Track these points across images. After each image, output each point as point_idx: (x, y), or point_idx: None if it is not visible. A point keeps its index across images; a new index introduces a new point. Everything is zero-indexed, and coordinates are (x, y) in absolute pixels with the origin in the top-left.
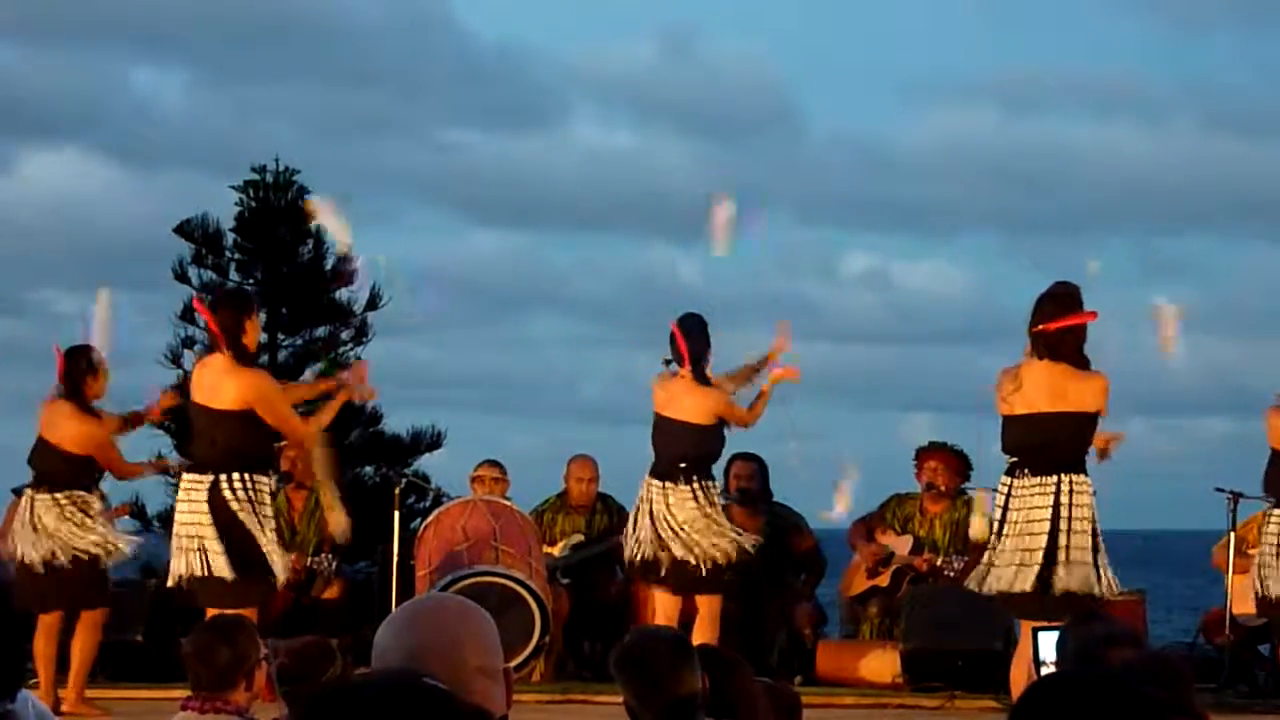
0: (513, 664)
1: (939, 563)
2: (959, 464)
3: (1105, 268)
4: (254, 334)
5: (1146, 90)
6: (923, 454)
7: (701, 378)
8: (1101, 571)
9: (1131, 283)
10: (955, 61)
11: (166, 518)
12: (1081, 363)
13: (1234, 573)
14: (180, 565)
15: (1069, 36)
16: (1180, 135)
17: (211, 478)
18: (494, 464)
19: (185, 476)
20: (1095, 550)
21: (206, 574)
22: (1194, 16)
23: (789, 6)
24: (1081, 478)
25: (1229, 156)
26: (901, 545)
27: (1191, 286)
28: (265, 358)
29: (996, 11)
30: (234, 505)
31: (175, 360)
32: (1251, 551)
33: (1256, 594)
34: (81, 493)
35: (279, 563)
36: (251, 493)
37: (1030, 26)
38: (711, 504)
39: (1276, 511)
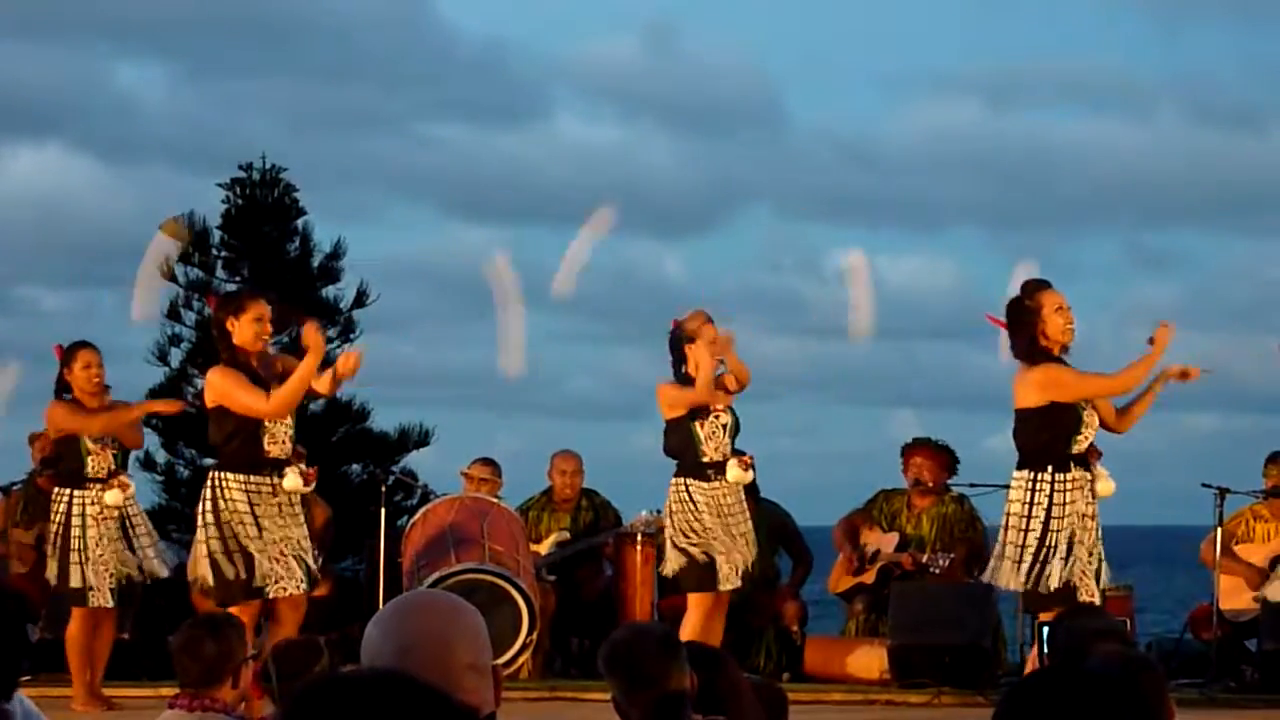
0: (501, 661)
1: (925, 559)
2: (946, 459)
3: (1092, 262)
4: (245, 330)
5: (1132, 84)
6: (909, 450)
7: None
8: (1021, 566)
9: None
10: (939, 55)
11: (154, 515)
12: (1033, 357)
13: (1221, 569)
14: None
15: (1053, 29)
16: (1167, 129)
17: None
18: (488, 462)
19: None
20: (1038, 546)
21: (195, 573)
22: (1181, 9)
23: (772, 1)
24: (1025, 474)
25: (1216, 150)
26: (887, 543)
27: (1178, 281)
28: None
29: (980, 4)
30: (218, 505)
31: (162, 358)
32: (1242, 548)
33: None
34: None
35: (265, 564)
36: (234, 492)
37: (1014, 19)
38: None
39: None
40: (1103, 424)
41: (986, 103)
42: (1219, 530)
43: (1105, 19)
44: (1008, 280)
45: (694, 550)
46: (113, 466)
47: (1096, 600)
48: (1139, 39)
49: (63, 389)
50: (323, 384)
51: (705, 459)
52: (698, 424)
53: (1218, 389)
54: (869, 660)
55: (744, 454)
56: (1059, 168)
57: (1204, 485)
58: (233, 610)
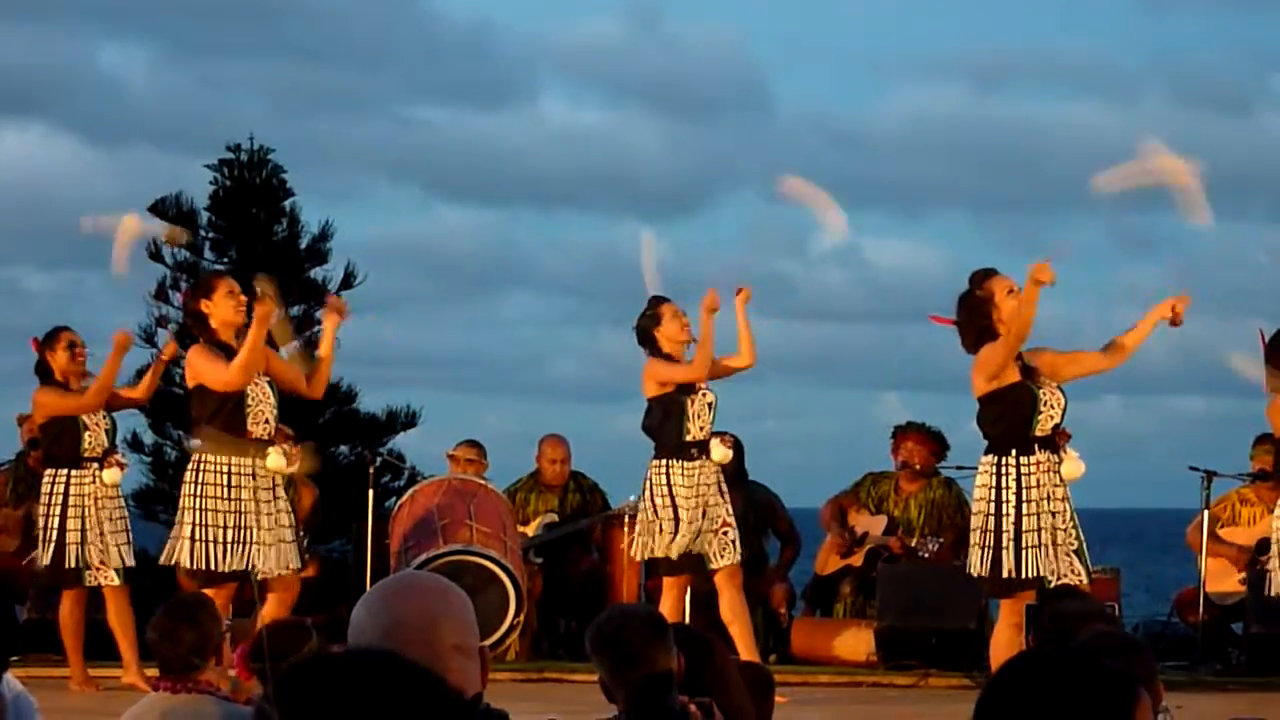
0: (488, 642)
1: (913, 543)
2: (935, 444)
3: (1077, 245)
4: (223, 308)
5: (1115, 67)
6: (900, 433)
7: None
8: (986, 552)
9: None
10: (924, 39)
11: (142, 497)
12: (983, 344)
13: (1208, 552)
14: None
15: (1038, 14)
16: (1149, 112)
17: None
18: (473, 444)
19: None
20: (997, 532)
21: (177, 555)
22: None
23: None
24: (990, 459)
25: (1199, 133)
26: (875, 526)
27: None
28: None
29: None
30: (199, 486)
31: (149, 339)
32: (1227, 532)
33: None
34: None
35: (245, 546)
36: (214, 473)
37: (1000, 4)
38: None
39: None
40: (1094, 373)
41: (971, 87)
42: (1205, 513)
43: (1088, 3)
44: (994, 263)
45: (670, 535)
46: (106, 445)
47: (1084, 582)
48: (1122, 23)
49: (45, 374)
50: (324, 346)
51: (689, 437)
52: (691, 399)
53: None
54: (856, 642)
55: (725, 434)
56: (1043, 151)
57: (1191, 468)
58: (210, 591)
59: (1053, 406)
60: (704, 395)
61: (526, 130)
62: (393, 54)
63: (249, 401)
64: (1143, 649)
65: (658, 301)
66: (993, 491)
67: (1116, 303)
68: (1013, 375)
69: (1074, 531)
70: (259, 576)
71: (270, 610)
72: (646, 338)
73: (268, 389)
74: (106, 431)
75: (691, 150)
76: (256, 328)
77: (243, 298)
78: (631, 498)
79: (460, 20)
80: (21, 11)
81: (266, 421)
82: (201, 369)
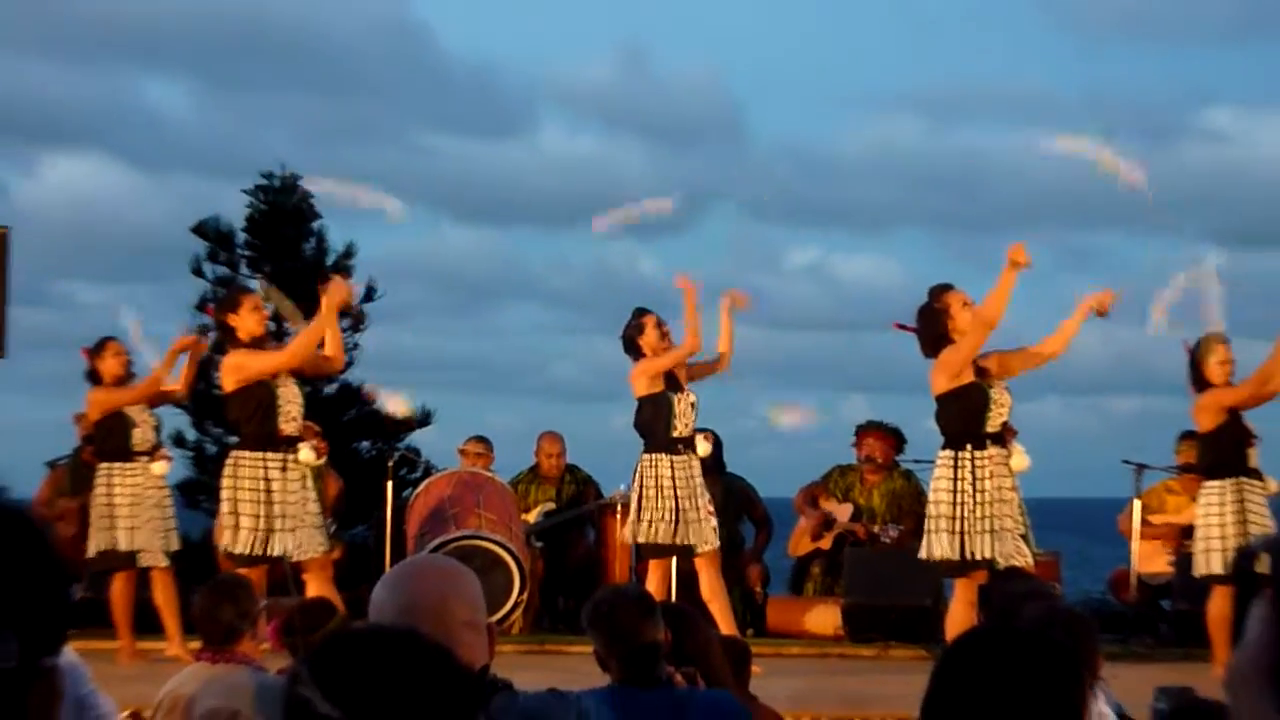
0: (495, 619)
1: (876, 529)
2: (894, 440)
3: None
4: (248, 320)
5: (1054, 101)
6: (862, 431)
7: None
8: (944, 536)
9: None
10: (884, 76)
11: (185, 488)
12: (939, 349)
13: (1142, 535)
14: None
15: (986, 53)
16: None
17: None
18: (481, 440)
19: None
20: (954, 519)
21: (219, 540)
22: (1094, 34)
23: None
24: (948, 453)
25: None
26: (843, 512)
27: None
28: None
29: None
30: (236, 479)
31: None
32: (1156, 518)
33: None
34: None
35: (277, 532)
36: (250, 468)
37: (952, 45)
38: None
39: (1210, 484)
40: (1039, 364)
41: (928, 119)
42: (1136, 502)
43: (1029, 45)
44: (949, 278)
45: (659, 523)
46: (153, 441)
47: (1027, 563)
48: (1061, 62)
49: (96, 379)
50: (331, 341)
51: (676, 433)
52: (677, 399)
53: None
54: (824, 618)
55: (707, 431)
56: (991, 177)
57: (1124, 462)
58: (246, 571)
59: (1002, 405)
60: (688, 396)
61: (527, 157)
62: (407, 89)
63: (280, 402)
64: (1088, 624)
65: (641, 313)
66: (951, 483)
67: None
68: (969, 375)
69: (1021, 519)
70: (291, 559)
71: (314, 588)
72: (631, 345)
73: (295, 390)
74: (154, 429)
75: (677, 175)
76: (319, 323)
77: (265, 311)
78: (621, 487)
79: (468, 59)
80: (75, 53)
81: (294, 419)
82: (250, 365)
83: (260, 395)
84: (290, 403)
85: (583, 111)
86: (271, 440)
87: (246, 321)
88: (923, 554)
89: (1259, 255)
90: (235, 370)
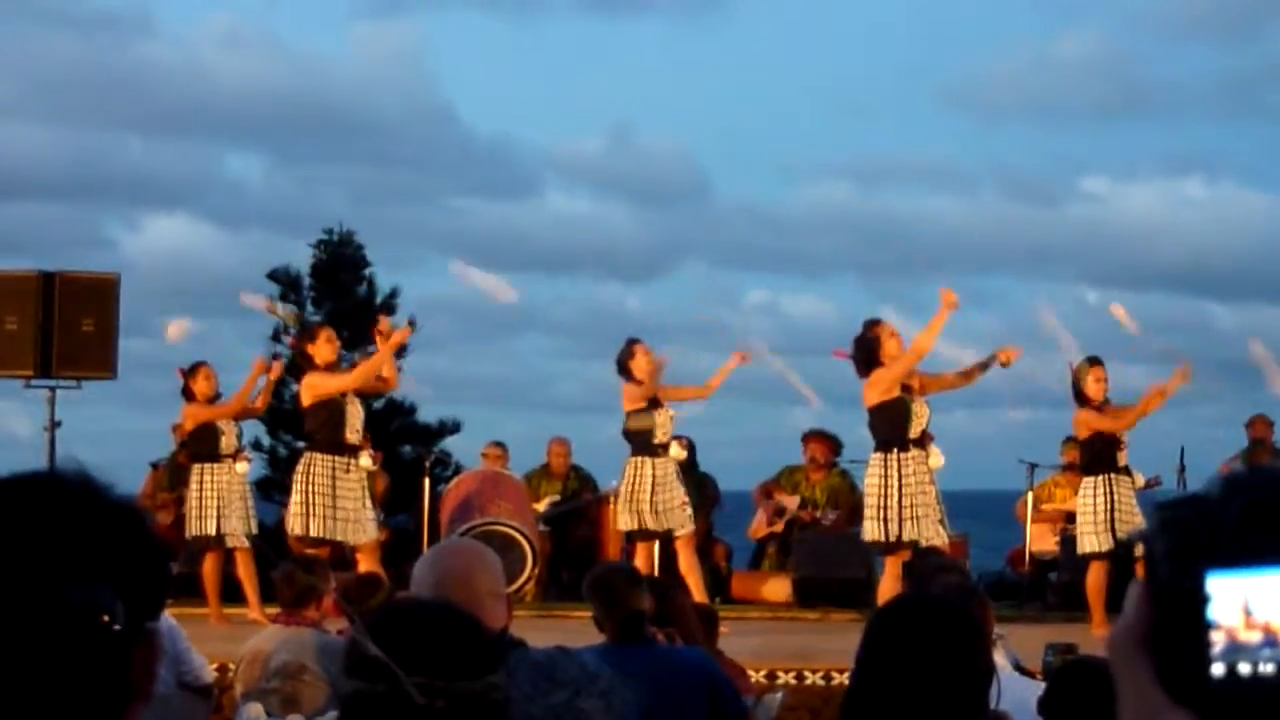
0: (511, 589)
1: (819, 515)
2: (833, 444)
3: (930, 300)
4: (321, 351)
5: (960, 169)
6: (807, 437)
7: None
8: (877, 523)
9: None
10: (822, 149)
11: (261, 484)
12: (870, 371)
13: (1033, 520)
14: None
15: (905, 130)
16: (984, 204)
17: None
18: (498, 444)
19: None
20: (883, 508)
21: (290, 526)
22: (994, 113)
23: (703, 109)
24: (879, 455)
25: (1021, 219)
26: (792, 503)
27: (995, 315)
28: None
29: (851, 113)
30: (308, 477)
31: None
32: (1045, 507)
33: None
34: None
35: (340, 520)
36: (319, 468)
37: (876, 124)
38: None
39: (1088, 479)
40: (949, 389)
41: (858, 184)
42: (1029, 494)
43: (940, 122)
44: (875, 314)
45: (644, 512)
46: (237, 445)
47: (943, 543)
48: (965, 136)
49: (189, 396)
50: (387, 368)
51: (657, 440)
52: (658, 413)
53: (1027, 392)
54: (778, 588)
55: (682, 438)
56: (909, 231)
57: (1019, 461)
58: (314, 552)
59: (921, 416)
60: (667, 410)
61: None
62: (439, 160)
63: (347, 417)
64: (981, 594)
65: (632, 342)
66: (881, 479)
67: (962, 342)
68: (895, 391)
69: (938, 507)
70: (350, 544)
71: (365, 566)
72: (623, 369)
73: (359, 408)
74: (237, 435)
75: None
76: (379, 358)
77: (338, 341)
78: (613, 483)
79: (487, 135)
80: (169, 129)
81: (357, 431)
82: (324, 384)
83: (332, 409)
84: (355, 417)
85: (580, 178)
86: (338, 446)
87: (321, 350)
88: (865, 536)
89: (1125, 295)
90: (312, 389)
